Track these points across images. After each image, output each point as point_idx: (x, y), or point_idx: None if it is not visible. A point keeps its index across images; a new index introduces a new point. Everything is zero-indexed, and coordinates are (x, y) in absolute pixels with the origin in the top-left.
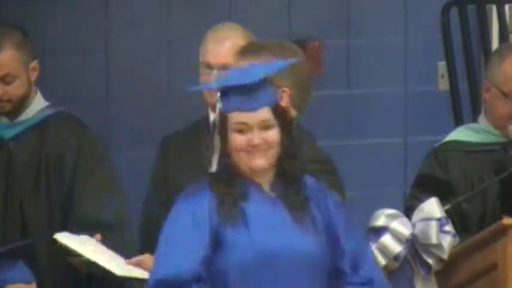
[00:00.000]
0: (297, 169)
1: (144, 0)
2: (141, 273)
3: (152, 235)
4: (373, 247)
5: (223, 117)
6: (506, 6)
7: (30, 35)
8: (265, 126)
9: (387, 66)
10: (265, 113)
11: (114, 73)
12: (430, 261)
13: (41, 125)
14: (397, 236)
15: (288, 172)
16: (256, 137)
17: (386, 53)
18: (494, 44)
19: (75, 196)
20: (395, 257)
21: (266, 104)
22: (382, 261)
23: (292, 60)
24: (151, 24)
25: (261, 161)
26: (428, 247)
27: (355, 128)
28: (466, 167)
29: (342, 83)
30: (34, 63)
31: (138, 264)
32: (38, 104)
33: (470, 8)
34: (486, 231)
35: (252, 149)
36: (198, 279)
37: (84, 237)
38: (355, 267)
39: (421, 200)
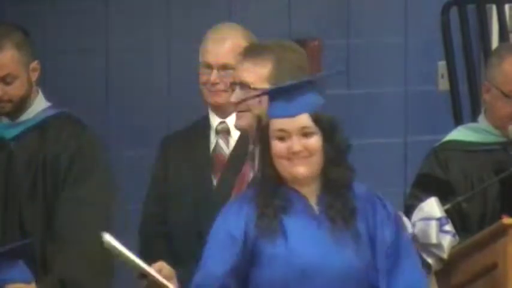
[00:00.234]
0: (343, 178)
1: (144, 0)
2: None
3: (152, 235)
4: None
5: (265, 124)
6: (506, 6)
7: (31, 35)
8: (305, 133)
9: (387, 66)
10: (304, 120)
11: (114, 73)
12: (430, 260)
13: (42, 126)
14: None
15: (333, 182)
16: (296, 143)
17: (386, 53)
18: (494, 43)
19: (58, 205)
20: None
21: (305, 110)
22: None
23: (333, 71)
24: (151, 24)
25: (302, 169)
26: (428, 247)
27: (355, 128)
28: (466, 167)
29: (341, 83)
30: (35, 64)
31: (159, 271)
32: (39, 105)
33: (470, 7)
34: (486, 231)
35: (292, 156)
36: None
37: None
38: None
39: (421, 200)
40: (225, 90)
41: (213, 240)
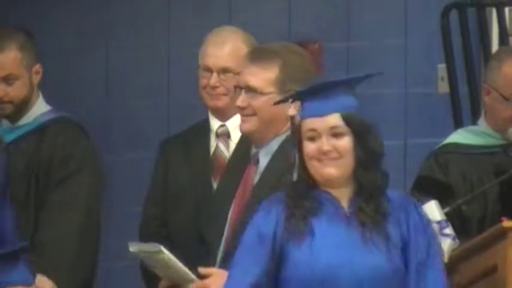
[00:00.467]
0: (374, 182)
1: (144, 1)
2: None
3: (152, 238)
4: None
5: (297, 125)
6: (506, 9)
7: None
8: (335, 134)
9: (387, 68)
10: (335, 120)
11: (114, 73)
12: None
13: (41, 130)
14: None
15: (365, 185)
16: (325, 144)
17: (386, 56)
18: (494, 46)
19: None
20: None
21: (336, 110)
22: None
23: (373, 74)
24: (152, 24)
25: (331, 170)
26: None
27: None
28: (466, 170)
29: None
30: (37, 67)
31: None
32: (39, 108)
33: (470, 10)
34: (486, 234)
35: (322, 156)
36: None
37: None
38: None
39: (420, 202)
40: (224, 94)
41: (243, 244)
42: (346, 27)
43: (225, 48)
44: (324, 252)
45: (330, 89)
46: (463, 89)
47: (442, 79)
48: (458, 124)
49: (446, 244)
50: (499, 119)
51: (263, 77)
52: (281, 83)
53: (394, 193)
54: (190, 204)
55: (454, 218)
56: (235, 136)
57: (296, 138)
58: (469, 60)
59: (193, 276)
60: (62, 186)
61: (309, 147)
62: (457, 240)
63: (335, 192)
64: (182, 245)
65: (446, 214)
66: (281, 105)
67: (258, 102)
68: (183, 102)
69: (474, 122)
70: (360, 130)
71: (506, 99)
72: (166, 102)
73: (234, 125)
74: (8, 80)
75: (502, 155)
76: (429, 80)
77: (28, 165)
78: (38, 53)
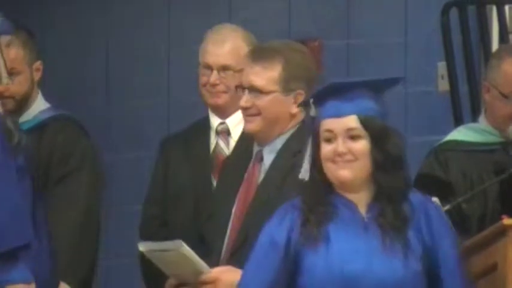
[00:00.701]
0: (393, 187)
1: (144, 0)
2: None
3: (152, 236)
4: None
5: (316, 126)
6: (507, 7)
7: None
8: (351, 136)
9: (387, 66)
10: (352, 121)
11: (114, 73)
12: None
13: (40, 128)
14: None
15: (384, 189)
16: (341, 145)
17: (386, 53)
18: (494, 44)
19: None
20: None
21: (354, 111)
22: None
23: (399, 79)
24: (152, 24)
25: (345, 173)
26: None
27: None
28: (466, 167)
29: None
30: (38, 64)
31: None
32: (38, 106)
33: (470, 8)
34: (486, 232)
35: (337, 158)
36: None
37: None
38: None
39: None
40: (224, 91)
41: (255, 251)
42: (346, 25)
43: (225, 46)
44: (340, 259)
45: (348, 90)
46: (463, 87)
47: (442, 77)
48: (458, 122)
49: None
50: (499, 116)
51: (266, 76)
52: (284, 82)
53: (415, 195)
54: (190, 203)
55: (454, 215)
56: (235, 134)
57: (315, 139)
58: (469, 58)
59: (210, 269)
60: (61, 184)
61: (325, 148)
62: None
63: (352, 197)
64: None
65: (447, 212)
66: (285, 103)
67: (263, 101)
68: (183, 102)
69: (474, 120)
70: (378, 134)
71: (505, 96)
72: (166, 102)
73: (234, 123)
74: (10, 74)
75: (503, 153)
76: (429, 78)
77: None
78: (39, 52)
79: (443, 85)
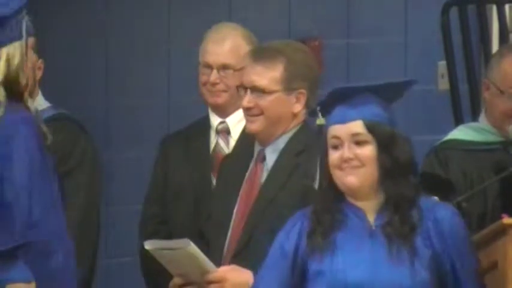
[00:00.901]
0: (402, 193)
1: (144, 0)
2: None
3: (152, 235)
4: None
5: (324, 133)
6: (507, 6)
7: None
8: (357, 141)
9: (387, 65)
10: (357, 126)
11: (114, 73)
12: None
13: None
14: None
15: (392, 196)
16: (347, 151)
17: (386, 53)
18: (494, 44)
19: None
20: None
21: (359, 117)
22: None
23: (410, 82)
24: (152, 24)
25: (352, 179)
26: None
27: None
28: (466, 166)
29: (342, 82)
30: (39, 62)
31: None
32: (38, 105)
33: (470, 7)
34: (486, 231)
35: (343, 164)
36: None
37: None
38: None
39: None
40: (224, 90)
41: (266, 260)
42: (346, 24)
43: (225, 45)
44: (345, 268)
45: (354, 95)
46: (463, 86)
47: (442, 76)
48: (458, 121)
49: None
50: (497, 113)
51: (268, 76)
52: (286, 81)
53: (425, 200)
54: (190, 201)
55: None
56: (235, 133)
57: (323, 146)
58: (469, 58)
59: (216, 269)
60: (60, 183)
61: (333, 155)
62: None
63: (361, 205)
64: None
65: None
66: (287, 103)
67: (265, 101)
68: (183, 102)
69: (474, 119)
70: (385, 139)
71: (502, 93)
72: (166, 102)
73: (234, 122)
74: None
75: (503, 152)
76: (429, 77)
77: None
78: (39, 51)
79: (444, 84)
